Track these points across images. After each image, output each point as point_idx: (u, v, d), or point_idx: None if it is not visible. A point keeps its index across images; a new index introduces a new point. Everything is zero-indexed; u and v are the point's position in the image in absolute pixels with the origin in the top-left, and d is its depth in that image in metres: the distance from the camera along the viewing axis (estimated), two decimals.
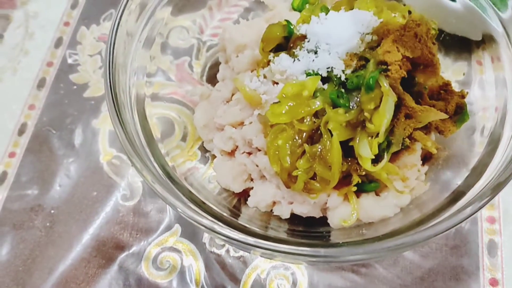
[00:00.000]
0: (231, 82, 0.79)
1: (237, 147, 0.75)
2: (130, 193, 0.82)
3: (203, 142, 0.81)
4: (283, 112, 0.66)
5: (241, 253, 0.76)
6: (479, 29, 0.78)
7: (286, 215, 0.70)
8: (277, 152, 0.65)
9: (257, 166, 0.71)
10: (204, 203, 0.66)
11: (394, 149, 0.66)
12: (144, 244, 0.78)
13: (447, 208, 0.60)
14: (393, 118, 0.64)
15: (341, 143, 0.64)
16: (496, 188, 0.54)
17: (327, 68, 0.68)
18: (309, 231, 0.70)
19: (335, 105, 0.65)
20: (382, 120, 0.62)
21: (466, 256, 0.76)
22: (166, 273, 0.76)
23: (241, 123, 0.74)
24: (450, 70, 0.87)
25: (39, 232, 0.79)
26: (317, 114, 0.66)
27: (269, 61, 0.73)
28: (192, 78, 0.89)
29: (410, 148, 0.68)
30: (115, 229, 0.79)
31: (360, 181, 0.66)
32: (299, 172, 0.64)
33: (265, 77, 0.74)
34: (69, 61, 0.96)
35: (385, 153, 0.65)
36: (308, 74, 0.68)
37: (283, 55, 0.72)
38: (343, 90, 0.66)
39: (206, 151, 0.81)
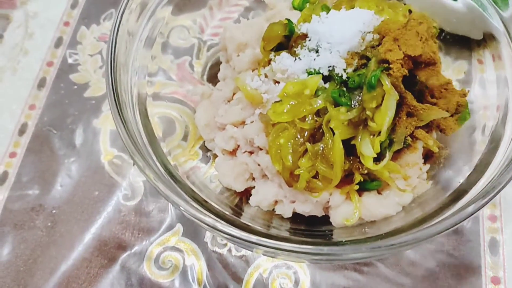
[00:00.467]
0: (232, 82, 0.79)
1: (238, 146, 0.75)
2: (132, 193, 0.82)
3: (204, 141, 0.81)
4: (285, 110, 0.66)
5: (243, 252, 0.76)
6: (480, 28, 0.78)
7: (288, 214, 0.70)
8: (279, 151, 0.65)
9: (258, 165, 0.71)
10: (206, 201, 0.66)
11: (396, 147, 0.66)
12: (146, 244, 0.77)
13: (449, 207, 0.60)
14: (395, 116, 0.64)
15: (343, 141, 0.64)
16: (497, 186, 0.55)
17: (329, 67, 0.68)
18: (311, 230, 0.70)
19: (337, 104, 0.65)
20: (384, 118, 0.62)
21: (468, 254, 0.76)
22: (168, 272, 0.76)
23: (243, 122, 0.74)
24: (450, 68, 0.87)
25: (40, 232, 0.79)
26: (318, 113, 0.66)
27: (270, 60, 0.73)
28: (193, 77, 0.89)
29: (411, 147, 0.69)
30: (116, 228, 0.79)
31: (362, 180, 0.66)
32: (301, 171, 0.64)
33: (266, 76, 0.74)
34: (70, 61, 0.96)
35: (387, 152, 0.65)
36: (309, 73, 0.69)
37: (284, 54, 0.72)
38: (344, 89, 0.66)
39: (208, 150, 0.81)
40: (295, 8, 0.85)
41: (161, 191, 0.57)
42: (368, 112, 0.63)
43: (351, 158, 0.66)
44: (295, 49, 0.72)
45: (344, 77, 0.67)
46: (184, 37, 0.91)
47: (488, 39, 0.78)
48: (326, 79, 0.68)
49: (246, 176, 0.74)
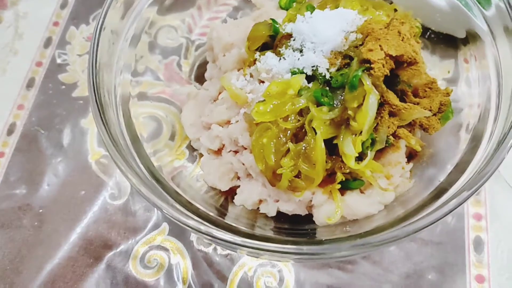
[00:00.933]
0: (218, 81, 0.79)
1: (223, 145, 0.75)
2: (118, 192, 0.82)
3: (190, 141, 0.81)
4: (268, 110, 0.66)
5: (228, 251, 0.77)
6: (464, 26, 0.78)
7: (272, 213, 0.70)
8: (261, 151, 0.66)
9: (243, 164, 0.72)
10: (190, 203, 0.66)
11: (378, 147, 0.66)
12: (132, 243, 0.78)
13: (430, 204, 0.61)
14: (377, 116, 0.64)
15: (325, 141, 0.64)
16: (474, 184, 0.55)
17: (312, 67, 0.68)
18: (295, 228, 0.70)
19: (319, 104, 0.65)
20: (365, 118, 0.62)
21: (452, 252, 0.76)
22: (154, 271, 0.76)
23: (228, 122, 0.74)
24: (437, 67, 0.88)
25: (27, 232, 0.79)
26: (301, 113, 0.66)
27: (255, 59, 0.73)
28: (181, 77, 0.89)
29: (394, 146, 0.69)
30: (103, 228, 0.79)
31: (344, 179, 0.66)
32: (283, 171, 0.65)
33: (251, 76, 0.74)
34: (58, 61, 0.96)
35: (369, 151, 0.65)
36: (293, 73, 0.69)
37: (269, 54, 0.72)
38: (327, 89, 0.66)
39: (194, 149, 0.81)
40: (282, 8, 0.85)
41: (144, 195, 0.57)
42: (350, 112, 0.63)
43: (333, 157, 0.66)
44: (279, 48, 0.72)
45: (328, 76, 0.67)
46: (172, 37, 0.91)
47: (472, 38, 0.78)
48: (310, 78, 0.68)
49: (231, 175, 0.75)
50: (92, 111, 0.62)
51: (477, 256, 0.76)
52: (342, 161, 0.65)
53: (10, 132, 0.89)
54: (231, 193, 0.76)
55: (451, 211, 0.53)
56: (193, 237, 0.78)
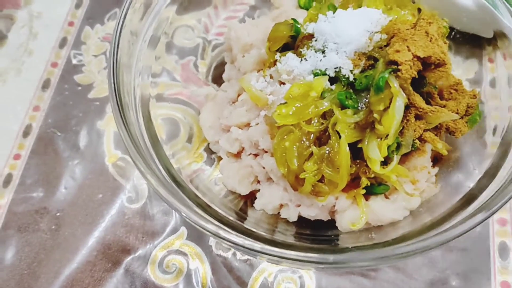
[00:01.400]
0: (237, 82, 0.78)
1: (243, 148, 0.74)
2: (136, 195, 0.81)
3: (209, 143, 0.80)
4: (290, 113, 0.65)
5: (247, 256, 0.75)
6: (491, 26, 0.76)
7: (293, 218, 0.69)
8: (284, 154, 0.64)
9: (263, 168, 0.70)
10: (209, 206, 0.65)
11: (403, 151, 0.64)
12: (150, 247, 0.77)
13: (459, 212, 0.59)
14: (403, 119, 0.63)
15: (350, 145, 0.62)
16: (508, 192, 0.53)
17: (335, 68, 0.66)
18: (317, 234, 0.69)
19: (343, 106, 0.63)
20: (392, 121, 0.61)
21: (477, 258, 0.74)
22: (173, 276, 0.75)
23: (248, 124, 0.73)
24: (460, 68, 0.85)
25: (45, 235, 0.79)
26: (325, 115, 0.65)
27: (276, 60, 0.72)
28: (198, 78, 0.88)
29: (420, 150, 0.67)
30: (120, 232, 0.78)
31: (369, 184, 0.64)
32: (306, 175, 0.63)
33: (271, 77, 0.72)
34: (74, 61, 0.95)
35: (395, 155, 0.63)
36: (315, 74, 0.67)
37: (290, 55, 0.70)
38: (351, 91, 0.65)
39: (212, 152, 0.80)
40: (301, 7, 0.83)
41: (163, 197, 0.56)
42: (375, 115, 0.62)
43: (358, 161, 0.64)
44: (301, 49, 0.70)
45: (351, 78, 0.65)
46: (189, 36, 0.90)
47: (499, 37, 0.76)
48: (332, 80, 0.67)
49: (250, 179, 0.73)
50: (113, 112, 0.61)
51: (502, 262, 0.74)
52: (367, 166, 0.64)
53: (26, 134, 0.88)
54: (250, 197, 0.74)
55: (484, 220, 0.51)
56: (212, 241, 0.77)
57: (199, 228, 0.55)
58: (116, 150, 0.86)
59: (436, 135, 0.68)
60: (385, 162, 0.63)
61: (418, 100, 0.64)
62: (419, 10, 0.75)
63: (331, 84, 0.67)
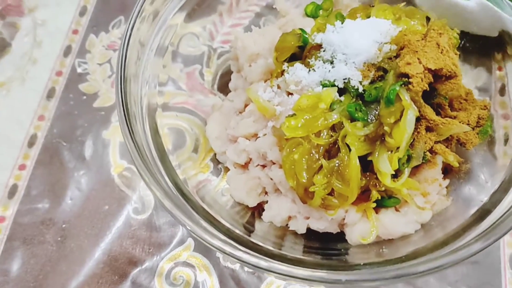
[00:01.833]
0: (243, 92, 0.77)
1: (250, 159, 0.73)
2: (142, 206, 0.81)
3: (215, 153, 0.79)
4: (299, 125, 0.64)
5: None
6: (496, 27, 0.75)
7: (302, 230, 0.68)
8: (293, 167, 0.64)
9: (271, 179, 0.69)
10: (216, 219, 0.64)
11: (414, 163, 0.63)
12: (157, 259, 0.76)
13: (472, 227, 0.58)
14: (414, 131, 0.62)
15: (360, 157, 0.62)
16: None
17: (344, 79, 0.65)
18: (326, 247, 0.68)
19: (352, 119, 0.63)
20: (403, 135, 0.60)
21: (488, 270, 0.73)
22: None
23: (255, 135, 0.72)
24: (469, 76, 0.84)
25: (51, 247, 0.78)
26: (334, 128, 0.64)
27: (283, 71, 0.71)
28: (203, 87, 0.87)
29: (430, 162, 0.66)
30: (127, 243, 0.78)
31: (379, 197, 0.64)
32: (316, 188, 0.62)
33: (279, 87, 0.72)
34: (79, 70, 0.94)
35: (405, 168, 0.63)
36: (324, 85, 0.66)
37: (298, 65, 0.69)
38: (361, 103, 0.64)
39: (219, 162, 0.79)
40: (308, 16, 0.82)
41: (168, 210, 0.56)
42: (386, 128, 0.61)
43: (368, 174, 0.63)
44: (309, 60, 0.70)
45: (360, 89, 0.64)
46: (194, 44, 0.89)
47: (507, 43, 0.75)
48: (341, 91, 0.66)
49: (258, 190, 0.72)
50: (120, 123, 0.61)
51: None
52: (377, 178, 0.63)
53: (31, 144, 0.87)
54: (258, 208, 0.73)
55: (499, 238, 0.50)
56: (220, 253, 0.76)
57: (205, 243, 0.54)
58: (122, 160, 0.85)
59: (447, 146, 0.67)
60: (396, 175, 0.63)
61: (429, 112, 0.63)
62: (428, 18, 0.74)
63: (340, 95, 0.66)
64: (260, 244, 0.63)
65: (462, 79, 0.66)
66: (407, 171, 0.63)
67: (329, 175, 0.63)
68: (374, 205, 0.64)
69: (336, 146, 0.63)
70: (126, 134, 0.61)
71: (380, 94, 0.62)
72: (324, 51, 0.69)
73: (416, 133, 0.63)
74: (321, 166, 0.63)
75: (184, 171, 0.73)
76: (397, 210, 0.66)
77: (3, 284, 0.76)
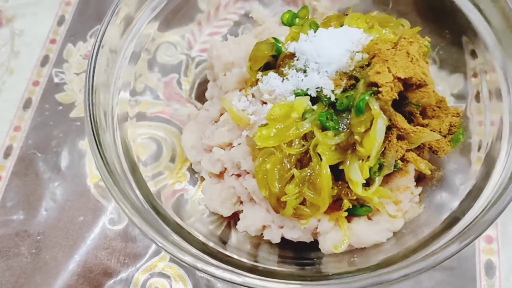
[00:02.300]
0: (219, 101, 0.77)
1: (225, 169, 0.73)
2: (118, 217, 0.80)
3: (191, 163, 0.79)
4: (271, 135, 0.64)
5: None
6: None
7: (276, 239, 0.68)
8: (265, 177, 0.63)
9: (246, 189, 0.69)
10: (189, 233, 0.64)
11: (385, 172, 0.63)
12: (132, 270, 0.76)
13: (443, 234, 0.58)
14: (385, 140, 0.62)
15: (331, 166, 0.62)
16: (490, 217, 0.52)
17: (317, 88, 0.66)
18: (301, 257, 0.68)
19: (324, 128, 0.63)
20: (373, 144, 0.60)
21: (463, 277, 0.73)
22: None
23: (230, 145, 0.72)
24: (445, 82, 0.85)
25: (25, 259, 0.77)
26: (306, 137, 0.64)
27: (258, 80, 0.71)
28: (181, 96, 0.86)
29: (402, 170, 0.66)
30: (102, 254, 0.77)
31: (351, 206, 0.64)
32: (288, 198, 0.62)
33: (253, 96, 0.72)
34: (56, 80, 0.94)
35: (377, 177, 0.63)
36: (297, 94, 0.67)
37: (271, 74, 0.70)
38: (332, 111, 0.64)
39: (195, 172, 0.79)
40: (284, 24, 0.82)
41: (137, 226, 0.55)
42: (356, 137, 0.61)
43: (340, 183, 0.63)
44: (282, 69, 0.70)
45: (333, 98, 0.64)
46: (171, 53, 0.89)
47: (481, 51, 0.76)
48: (314, 100, 0.66)
49: (233, 200, 0.72)
50: (87, 137, 0.60)
51: (489, 280, 0.74)
52: (349, 187, 0.63)
53: (6, 155, 0.86)
54: (233, 217, 0.73)
55: (468, 244, 0.50)
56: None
57: (176, 259, 0.54)
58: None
59: (418, 154, 0.67)
60: (367, 184, 0.63)
61: (400, 120, 0.63)
62: (402, 26, 0.74)
63: (313, 104, 0.66)
64: (235, 256, 0.63)
65: (433, 87, 0.67)
66: (378, 179, 0.63)
67: (300, 185, 0.63)
68: (346, 214, 0.64)
69: (308, 155, 0.63)
70: (93, 147, 0.60)
71: (351, 103, 0.63)
72: (297, 60, 0.69)
73: (387, 142, 0.63)
74: (293, 176, 0.63)
75: (159, 181, 0.73)
76: (369, 218, 0.66)
77: None
